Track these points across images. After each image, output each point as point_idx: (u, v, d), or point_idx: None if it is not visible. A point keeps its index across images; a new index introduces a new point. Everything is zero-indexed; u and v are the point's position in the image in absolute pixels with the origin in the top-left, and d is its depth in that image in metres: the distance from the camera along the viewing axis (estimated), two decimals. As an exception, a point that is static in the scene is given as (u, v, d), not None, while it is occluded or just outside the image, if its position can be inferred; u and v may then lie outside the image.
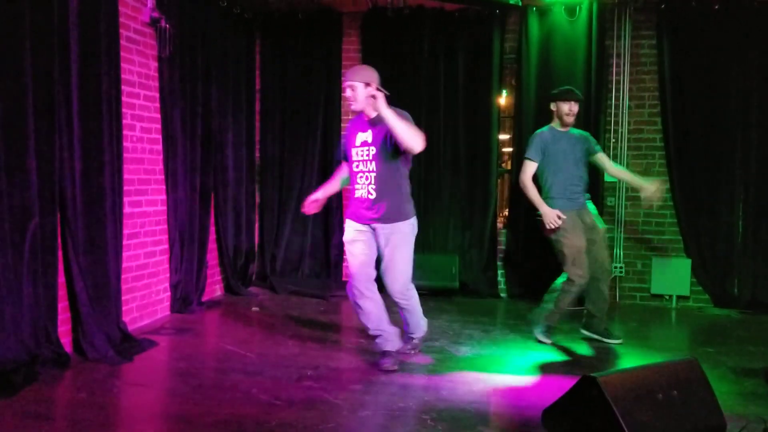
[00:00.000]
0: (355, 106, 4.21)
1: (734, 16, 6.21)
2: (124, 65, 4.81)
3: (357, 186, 4.24)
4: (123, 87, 4.79)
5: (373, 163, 4.17)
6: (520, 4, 6.46)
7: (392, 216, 4.17)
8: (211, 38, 5.96)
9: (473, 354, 4.71)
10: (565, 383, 3.88)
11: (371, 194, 4.17)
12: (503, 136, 7.24)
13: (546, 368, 4.43)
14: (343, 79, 4.20)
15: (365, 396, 3.76)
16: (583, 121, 6.45)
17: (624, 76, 6.56)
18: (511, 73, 6.94)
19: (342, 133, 6.99)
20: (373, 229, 4.23)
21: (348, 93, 4.20)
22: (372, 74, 4.19)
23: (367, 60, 6.85)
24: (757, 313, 6.17)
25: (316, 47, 6.93)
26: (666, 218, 6.59)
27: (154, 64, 5.27)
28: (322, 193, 4.50)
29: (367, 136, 4.21)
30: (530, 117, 6.60)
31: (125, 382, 3.96)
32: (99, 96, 4.45)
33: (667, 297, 6.56)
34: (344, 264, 7.04)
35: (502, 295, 6.76)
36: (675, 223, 6.56)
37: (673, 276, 6.49)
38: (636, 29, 6.54)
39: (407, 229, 4.22)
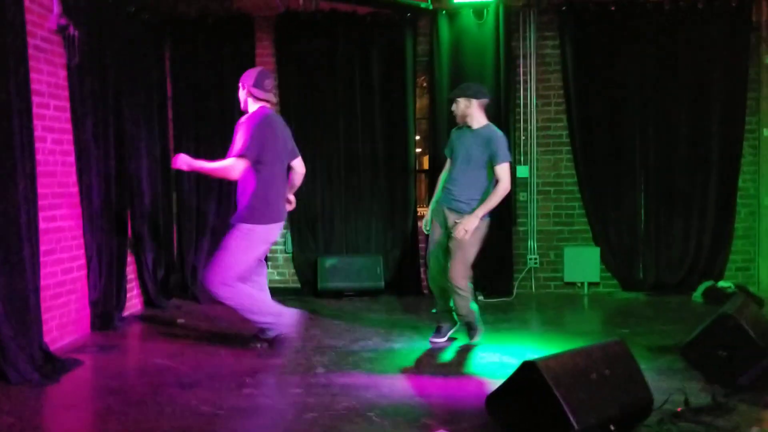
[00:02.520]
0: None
1: (630, 17, 6.63)
2: (32, 75, 4.58)
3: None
4: (33, 98, 4.58)
5: None
6: (431, 7, 6.63)
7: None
8: (121, 45, 5.77)
9: (407, 350, 4.81)
10: (500, 370, 4.06)
11: None
12: (418, 137, 7.40)
13: (478, 358, 4.61)
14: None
15: (308, 399, 3.78)
16: (494, 119, 6.72)
17: (531, 75, 6.88)
18: (425, 75, 7.10)
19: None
20: None
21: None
22: (248, 75, 4.63)
23: (281, 64, 6.86)
24: (661, 295, 6.63)
25: (228, 53, 6.83)
26: (575, 210, 6.96)
27: (63, 73, 5.06)
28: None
29: None
30: (443, 118, 6.78)
31: (55, 404, 3.81)
32: (9, 108, 4.23)
33: (579, 284, 6.92)
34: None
35: (425, 291, 6.91)
36: (583, 214, 6.94)
37: (584, 264, 6.85)
38: (540, 30, 6.87)
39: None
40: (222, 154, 6.80)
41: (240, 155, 4.42)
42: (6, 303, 4.17)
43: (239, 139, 4.48)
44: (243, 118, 4.62)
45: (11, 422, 3.45)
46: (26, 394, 3.89)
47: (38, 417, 3.57)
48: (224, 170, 4.51)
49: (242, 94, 4.65)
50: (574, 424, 2.81)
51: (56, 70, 4.99)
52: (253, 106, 4.62)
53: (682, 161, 6.70)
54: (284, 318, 4.67)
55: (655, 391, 3.49)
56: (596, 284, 6.92)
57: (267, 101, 4.63)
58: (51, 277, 4.89)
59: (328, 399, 3.76)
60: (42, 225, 4.72)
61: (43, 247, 4.72)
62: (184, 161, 4.60)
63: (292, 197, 4.93)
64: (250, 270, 4.70)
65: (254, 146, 4.42)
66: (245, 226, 4.52)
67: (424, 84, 7.15)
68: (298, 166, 4.84)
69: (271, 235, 4.64)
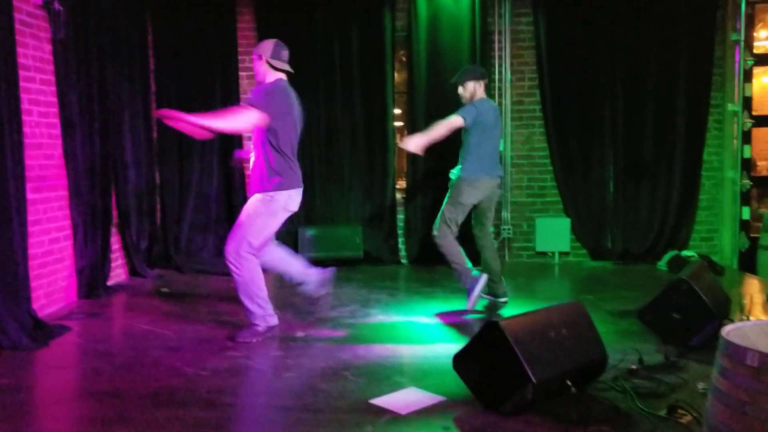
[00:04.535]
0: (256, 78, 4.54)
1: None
2: (18, 49, 4.70)
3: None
4: (19, 72, 4.69)
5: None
6: (408, -17, 6.75)
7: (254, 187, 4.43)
8: (103, 19, 5.87)
9: (383, 315, 5.05)
10: (469, 334, 4.31)
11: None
12: (397, 111, 7.56)
13: (448, 322, 4.86)
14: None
15: (287, 360, 4.01)
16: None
17: (505, 51, 7.06)
18: (403, 50, 7.25)
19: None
20: None
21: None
22: (264, 46, 4.45)
23: (262, 38, 6.92)
24: (628, 263, 6.93)
25: (209, 26, 6.94)
26: (547, 182, 7.20)
27: (49, 47, 5.17)
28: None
29: None
30: (422, 92, 6.98)
31: (47, 365, 4.00)
32: (-5, 81, 4.37)
33: (551, 253, 7.19)
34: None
35: (403, 261, 7.15)
36: (555, 186, 7.18)
37: (555, 234, 7.12)
38: (515, 8, 7.03)
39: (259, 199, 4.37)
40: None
41: (252, 106, 4.21)
42: (-3, 271, 4.34)
43: (254, 101, 4.25)
44: (255, 89, 4.41)
45: (8, 383, 3.65)
46: (18, 357, 4.09)
47: (32, 377, 3.77)
48: (232, 117, 4.28)
49: (260, 65, 4.41)
50: (532, 377, 3.06)
51: (41, 45, 5.10)
52: (270, 78, 4.43)
53: (649, 135, 6.95)
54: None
55: (613, 350, 3.76)
56: (566, 254, 7.20)
57: (285, 71, 4.48)
58: (38, 247, 5.06)
59: (306, 360, 4.00)
60: (29, 195, 4.87)
61: (30, 217, 4.88)
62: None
63: None
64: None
65: (269, 107, 4.23)
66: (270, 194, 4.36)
67: (403, 58, 7.30)
68: None
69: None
